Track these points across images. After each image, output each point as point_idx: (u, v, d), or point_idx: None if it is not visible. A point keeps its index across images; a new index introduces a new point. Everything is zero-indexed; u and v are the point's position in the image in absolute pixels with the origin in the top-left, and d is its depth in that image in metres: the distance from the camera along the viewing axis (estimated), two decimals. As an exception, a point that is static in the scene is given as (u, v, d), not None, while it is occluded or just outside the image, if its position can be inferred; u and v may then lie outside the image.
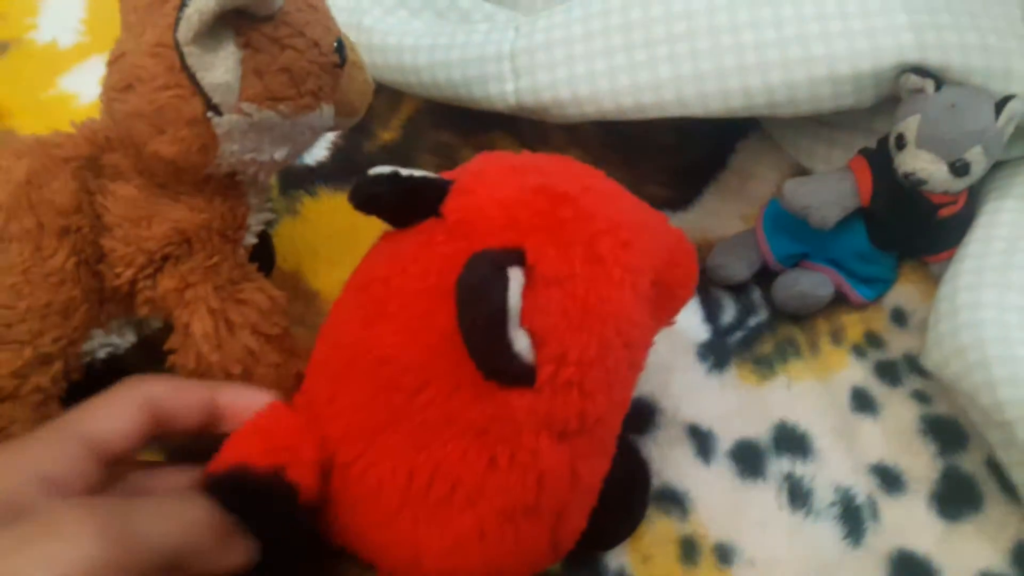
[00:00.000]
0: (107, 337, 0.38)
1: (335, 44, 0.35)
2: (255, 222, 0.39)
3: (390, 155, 0.55)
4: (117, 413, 0.31)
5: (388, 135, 0.56)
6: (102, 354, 0.38)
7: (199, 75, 0.31)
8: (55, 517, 0.25)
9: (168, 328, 0.38)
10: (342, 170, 0.53)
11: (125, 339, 0.39)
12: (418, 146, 0.55)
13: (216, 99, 0.32)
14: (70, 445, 0.29)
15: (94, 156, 0.35)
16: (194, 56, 0.31)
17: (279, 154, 0.35)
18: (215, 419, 0.34)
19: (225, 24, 0.31)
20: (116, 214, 0.35)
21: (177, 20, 0.30)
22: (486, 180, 0.34)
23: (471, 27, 0.50)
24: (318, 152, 0.54)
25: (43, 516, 0.25)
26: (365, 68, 0.39)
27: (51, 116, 0.53)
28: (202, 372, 0.37)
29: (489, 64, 0.47)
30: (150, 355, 0.40)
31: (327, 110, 0.36)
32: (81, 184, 0.35)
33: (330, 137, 0.55)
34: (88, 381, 0.38)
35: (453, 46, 0.48)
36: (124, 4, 0.33)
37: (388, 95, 0.56)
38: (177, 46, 0.31)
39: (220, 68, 0.31)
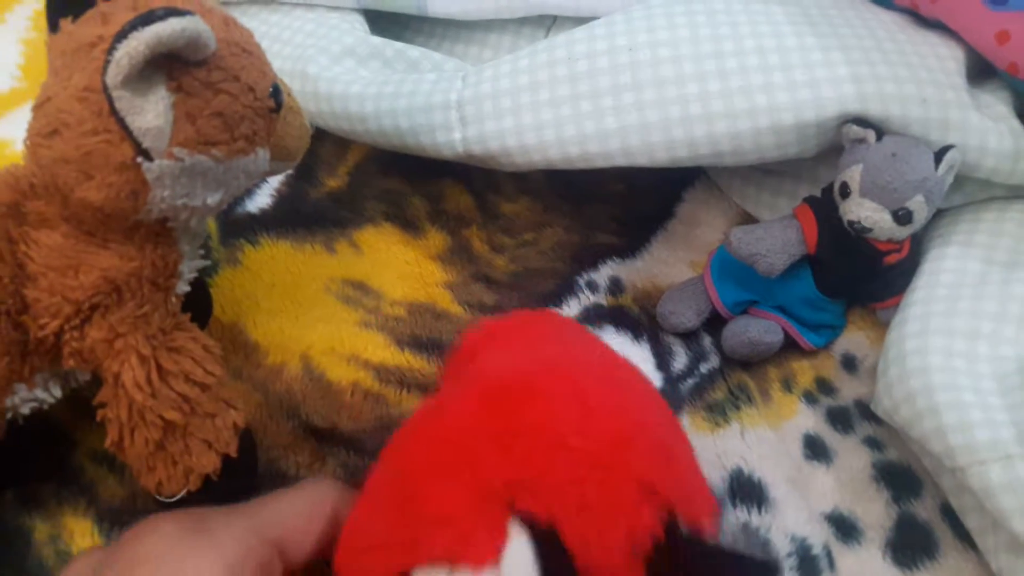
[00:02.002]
0: (31, 392, 0.36)
1: (271, 89, 0.34)
2: (188, 270, 0.37)
3: (336, 202, 0.54)
4: (309, 526, 0.31)
5: (334, 182, 0.55)
6: (26, 410, 0.36)
7: (128, 120, 0.30)
8: None
9: (96, 381, 0.36)
10: (285, 218, 0.52)
11: (51, 394, 0.37)
12: (365, 193, 0.55)
13: (146, 144, 0.30)
14: (264, 550, 0.29)
15: (16, 203, 0.34)
16: (124, 100, 0.30)
17: (212, 199, 0.34)
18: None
19: (156, 68, 0.30)
20: (40, 263, 0.34)
21: (106, 63, 0.29)
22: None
23: (419, 76, 0.49)
24: (261, 199, 0.53)
25: None
26: (302, 113, 0.38)
27: (-19, 163, 0.52)
28: (135, 424, 0.35)
29: (436, 113, 0.47)
30: (78, 410, 0.38)
31: (262, 154, 0.35)
32: (2, 232, 0.33)
33: (274, 184, 0.54)
34: (10, 438, 0.36)
35: (400, 94, 0.48)
36: (51, 49, 0.32)
37: (335, 142, 0.55)
38: (106, 90, 0.29)
39: (151, 112, 0.30)
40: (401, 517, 0.26)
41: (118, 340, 0.35)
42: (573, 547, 0.24)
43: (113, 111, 0.30)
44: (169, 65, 0.30)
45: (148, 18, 0.28)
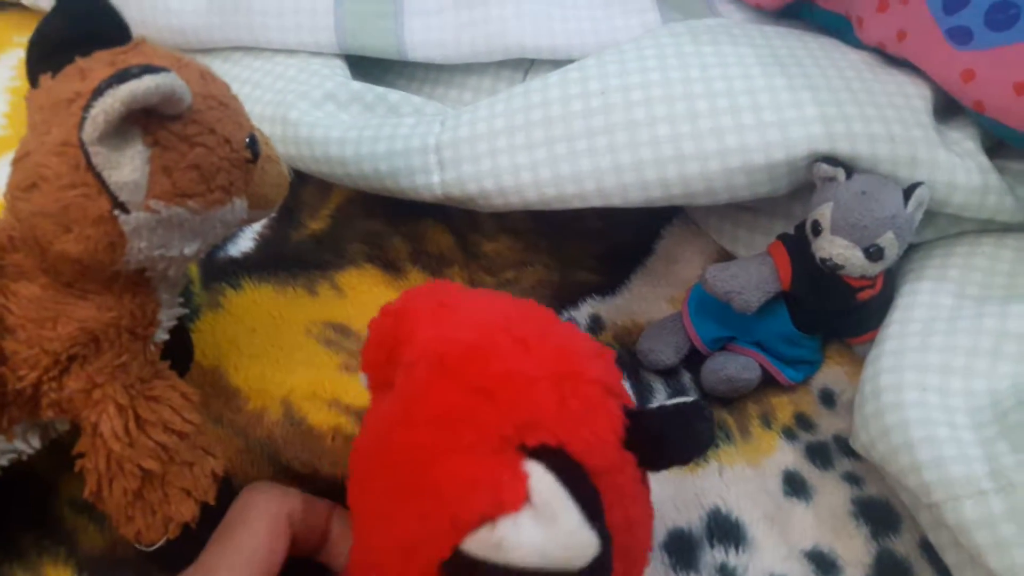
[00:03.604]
0: (10, 443, 0.36)
1: (247, 139, 0.35)
2: (166, 318, 0.38)
3: (318, 245, 0.54)
4: (272, 538, 0.33)
5: (316, 224, 0.55)
6: (4, 461, 0.36)
7: (105, 174, 0.30)
8: None
9: (75, 430, 0.36)
10: (268, 262, 0.52)
11: (29, 444, 0.37)
12: (348, 235, 0.55)
13: (123, 197, 0.31)
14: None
15: None
16: (100, 155, 0.30)
17: (189, 249, 0.34)
18: (325, 544, 0.36)
19: (132, 123, 0.30)
20: (19, 315, 0.34)
21: (83, 120, 0.30)
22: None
23: (398, 120, 0.50)
24: (243, 243, 0.53)
25: None
26: (280, 161, 0.39)
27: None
28: (113, 473, 0.35)
29: (415, 156, 0.48)
30: (58, 459, 0.38)
31: (239, 204, 0.35)
32: None
33: (257, 227, 0.55)
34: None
35: (379, 138, 0.49)
36: (30, 104, 0.33)
37: (317, 185, 0.56)
38: (83, 146, 0.30)
39: (127, 167, 0.30)
40: (423, 507, 0.27)
41: (96, 390, 0.35)
42: (582, 458, 0.27)
43: (90, 166, 0.30)
44: (145, 120, 0.31)
45: (124, 76, 0.29)
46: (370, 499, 0.30)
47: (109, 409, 0.35)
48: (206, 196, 0.33)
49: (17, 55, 0.62)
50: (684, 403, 0.29)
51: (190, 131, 0.32)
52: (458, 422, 0.28)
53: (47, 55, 0.33)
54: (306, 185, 0.56)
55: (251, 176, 0.36)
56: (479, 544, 0.26)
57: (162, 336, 0.38)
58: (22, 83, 0.60)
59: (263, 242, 0.54)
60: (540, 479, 0.26)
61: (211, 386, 0.45)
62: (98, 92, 0.29)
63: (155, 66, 0.30)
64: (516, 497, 0.26)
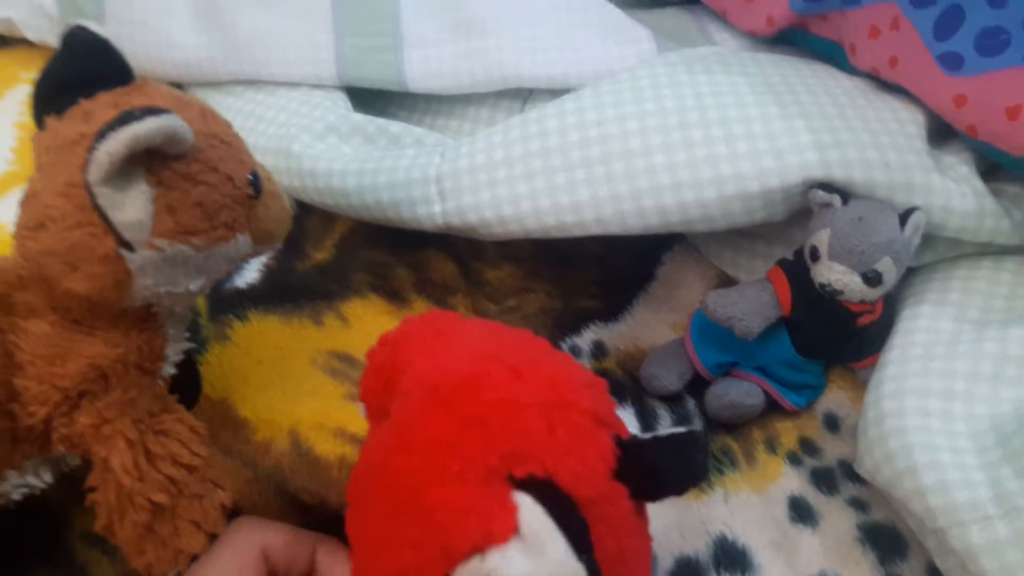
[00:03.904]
0: (22, 478, 0.37)
1: (249, 176, 0.36)
2: (174, 352, 0.38)
3: (323, 275, 0.55)
4: (241, 570, 0.34)
5: (321, 255, 0.56)
6: (17, 495, 0.37)
7: (110, 214, 0.31)
8: None
9: (87, 464, 0.37)
10: (273, 293, 0.53)
11: (41, 479, 0.38)
12: (352, 265, 0.56)
13: (128, 236, 0.32)
14: None
15: (5, 295, 0.35)
16: (105, 196, 0.31)
17: (194, 285, 0.35)
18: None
19: (136, 163, 0.31)
20: (29, 352, 0.34)
21: (87, 161, 0.30)
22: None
23: (399, 152, 0.51)
24: (249, 275, 0.54)
25: None
26: (283, 196, 0.40)
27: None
28: (124, 507, 0.36)
29: (416, 187, 0.48)
30: (69, 493, 0.38)
31: (243, 240, 0.36)
32: None
33: (262, 258, 0.55)
34: (3, 522, 0.37)
35: (380, 170, 0.49)
36: (37, 145, 0.33)
37: (321, 215, 0.56)
38: (88, 187, 0.31)
39: (131, 207, 0.31)
40: (416, 535, 0.28)
41: (106, 425, 0.35)
42: (570, 489, 0.27)
43: (95, 206, 0.31)
44: (149, 160, 0.31)
45: (126, 118, 0.30)
46: (366, 525, 0.30)
47: (119, 444, 0.35)
48: (210, 233, 0.34)
49: (24, 91, 0.64)
50: (678, 433, 0.29)
51: (193, 170, 0.33)
52: (448, 451, 0.28)
53: (52, 96, 0.34)
54: (310, 216, 0.57)
55: (254, 212, 0.36)
56: (469, 574, 0.26)
57: (170, 370, 0.38)
58: (29, 119, 0.61)
59: (268, 273, 0.54)
60: (529, 510, 0.26)
61: (219, 418, 0.46)
62: (101, 135, 0.30)
63: (157, 107, 0.31)
64: (505, 528, 0.26)
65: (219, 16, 0.56)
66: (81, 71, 0.33)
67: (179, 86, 0.60)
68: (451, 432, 0.28)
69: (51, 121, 0.33)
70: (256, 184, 0.36)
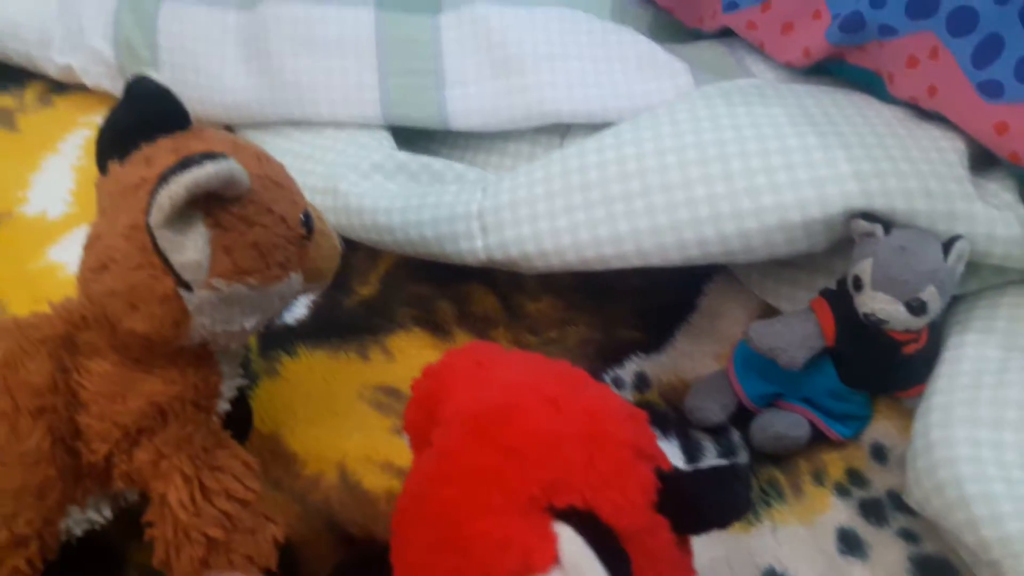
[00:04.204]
0: (84, 514, 0.38)
1: (302, 216, 0.37)
2: (228, 389, 0.39)
3: (368, 310, 0.56)
4: None
5: (366, 290, 0.57)
6: (79, 531, 0.38)
7: (170, 256, 0.32)
8: None
9: (144, 499, 0.38)
10: (321, 328, 0.54)
11: (102, 514, 0.39)
12: (396, 299, 0.57)
13: (187, 277, 0.33)
14: None
15: (70, 335, 0.36)
16: (165, 238, 0.32)
17: (249, 323, 0.36)
18: None
19: (195, 206, 0.32)
20: (92, 391, 0.36)
21: (149, 205, 0.32)
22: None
23: (442, 188, 0.52)
24: (298, 311, 0.55)
25: None
26: (332, 235, 0.41)
27: (38, 287, 0.55)
28: (180, 542, 0.37)
29: (459, 223, 0.49)
30: (128, 529, 0.39)
31: (295, 278, 0.37)
32: (57, 363, 0.35)
33: (310, 295, 0.57)
34: (65, 558, 0.38)
35: (424, 206, 0.51)
36: (100, 190, 0.35)
37: (366, 251, 0.58)
38: (149, 229, 0.32)
39: (190, 249, 0.32)
40: (456, 565, 0.28)
41: (163, 461, 0.37)
42: (610, 520, 0.27)
43: (155, 248, 0.32)
44: (207, 203, 0.33)
45: (187, 163, 0.31)
46: (409, 555, 0.31)
47: (176, 480, 0.36)
48: (264, 273, 0.35)
49: (82, 135, 0.66)
50: (720, 466, 0.30)
51: (249, 212, 0.34)
52: (489, 481, 0.28)
53: (115, 143, 0.35)
54: (355, 252, 0.58)
55: (306, 251, 0.38)
56: None
57: (224, 406, 0.39)
58: (88, 162, 0.64)
59: (316, 309, 0.55)
60: (569, 541, 0.27)
61: (270, 452, 0.47)
62: (163, 179, 0.31)
63: (215, 153, 0.32)
64: (545, 559, 0.26)
65: (268, 60, 0.58)
66: (142, 118, 0.35)
67: (231, 128, 0.63)
68: (491, 462, 0.29)
69: (114, 166, 0.34)
70: (308, 224, 0.37)
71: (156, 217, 0.31)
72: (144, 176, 0.33)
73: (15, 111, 0.68)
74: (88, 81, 0.66)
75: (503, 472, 0.29)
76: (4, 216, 0.60)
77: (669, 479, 0.29)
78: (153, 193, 0.31)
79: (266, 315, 0.37)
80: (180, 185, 0.31)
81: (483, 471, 0.29)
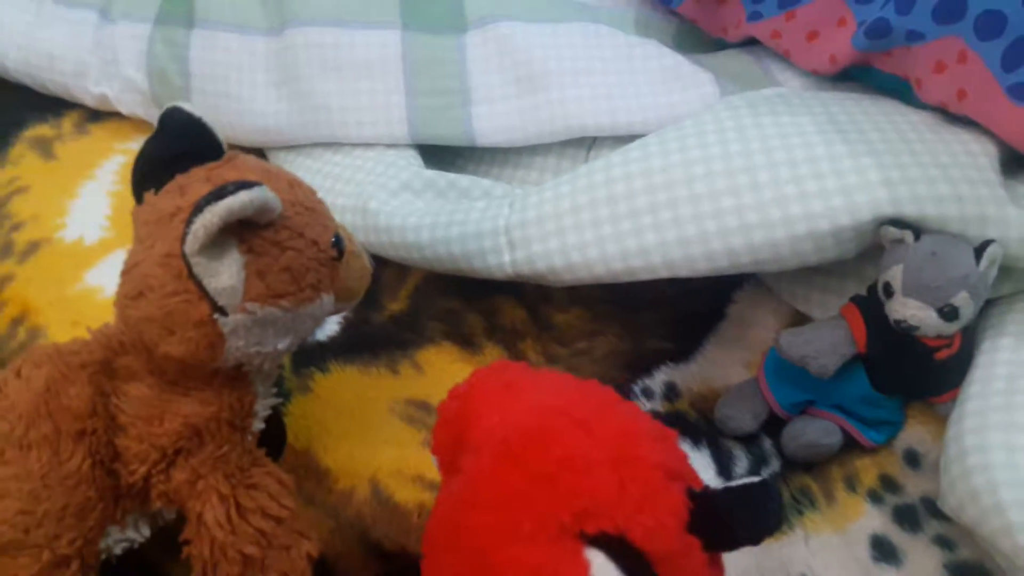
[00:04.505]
0: (123, 533, 0.39)
1: (332, 239, 0.38)
2: (262, 408, 0.40)
3: (398, 325, 0.56)
4: None
5: (396, 305, 0.58)
6: (118, 550, 0.39)
7: (205, 282, 0.33)
8: None
9: (181, 517, 0.39)
10: (352, 344, 0.55)
11: (140, 533, 0.40)
12: (425, 313, 0.57)
13: (222, 302, 0.34)
14: None
15: (108, 360, 0.37)
16: (201, 265, 0.33)
17: (282, 344, 0.37)
18: None
19: (229, 233, 0.33)
20: (130, 414, 0.37)
21: (184, 234, 0.33)
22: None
23: (469, 204, 0.53)
24: (329, 327, 0.56)
25: None
26: (363, 255, 0.42)
27: (77, 311, 0.56)
28: (217, 560, 0.37)
29: (486, 239, 0.50)
30: (166, 547, 0.40)
31: (327, 299, 0.38)
32: (96, 388, 0.36)
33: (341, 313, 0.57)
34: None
35: (452, 223, 0.51)
36: (136, 219, 0.36)
37: (395, 268, 0.58)
38: (184, 257, 0.33)
39: (225, 274, 0.33)
40: None
41: (200, 481, 0.37)
42: (643, 544, 0.27)
43: (191, 275, 0.33)
44: (240, 229, 0.34)
45: (220, 192, 0.32)
46: None
47: (212, 499, 0.37)
48: (297, 295, 0.36)
49: (118, 161, 0.68)
50: (750, 483, 0.29)
51: (281, 237, 0.35)
52: (519, 508, 0.29)
53: (150, 173, 0.36)
54: (385, 268, 0.59)
55: (337, 272, 0.38)
56: None
57: (259, 425, 0.40)
58: (123, 187, 0.65)
59: (347, 325, 0.56)
60: (601, 568, 0.27)
61: (303, 468, 0.48)
62: (197, 208, 0.32)
63: (248, 181, 0.33)
64: None
65: (297, 84, 0.59)
66: (176, 148, 0.36)
67: (262, 151, 0.64)
68: (521, 489, 0.29)
69: (149, 196, 0.36)
70: (339, 245, 0.38)
71: (191, 245, 0.32)
72: (179, 205, 0.34)
73: (53, 140, 0.70)
74: (123, 109, 0.68)
75: (533, 498, 0.29)
76: (44, 242, 0.62)
77: (700, 499, 0.29)
78: (188, 222, 0.32)
79: (299, 336, 0.38)
80: (214, 214, 0.32)
81: (513, 497, 0.29)
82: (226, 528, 0.37)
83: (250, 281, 0.34)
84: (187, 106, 0.37)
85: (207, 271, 0.33)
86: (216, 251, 0.33)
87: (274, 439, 0.45)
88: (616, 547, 0.27)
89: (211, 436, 0.37)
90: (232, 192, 0.32)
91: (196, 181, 0.35)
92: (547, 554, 0.27)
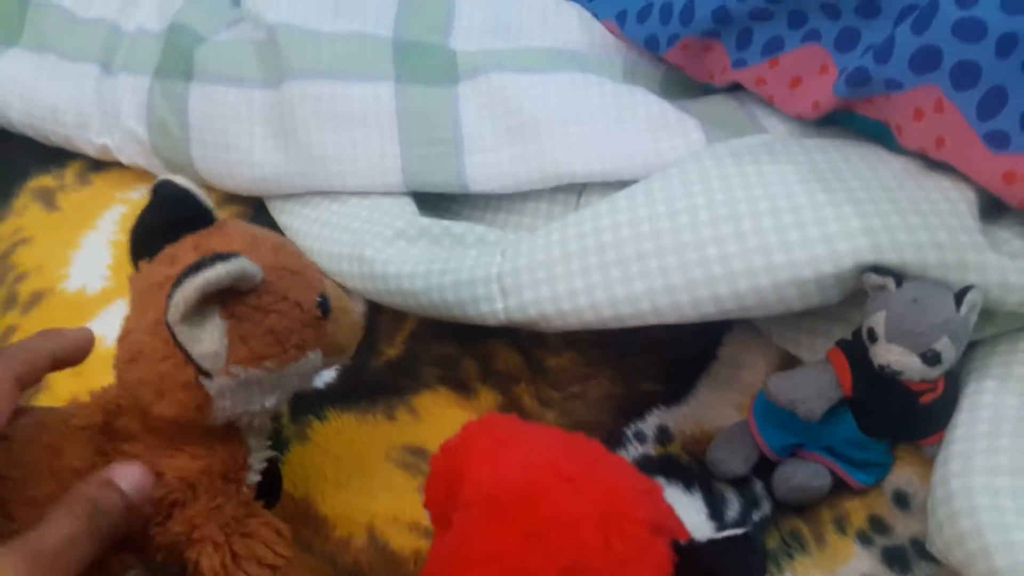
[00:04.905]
0: None
1: (318, 299, 0.39)
2: (256, 462, 0.41)
3: (394, 370, 0.57)
4: None
5: (392, 351, 0.59)
6: None
7: (189, 348, 0.35)
8: None
9: (183, 571, 0.40)
10: (350, 391, 0.56)
11: None
12: (421, 359, 0.58)
13: (206, 366, 0.35)
14: None
15: (107, 422, 0.39)
16: (183, 333, 0.34)
17: (270, 402, 0.38)
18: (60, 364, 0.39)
19: (210, 301, 0.34)
20: None
21: (167, 305, 0.34)
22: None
23: (463, 252, 0.54)
24: (327, 374, 0.57)
25: None
26: (352, 311, 0.43)
27: (78, 360, 0.57)
28: None
29: (479, 286, 0.51)
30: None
31: (314, 356, 0.39)
32: (96, 448, 0.38)
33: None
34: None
35: (446, 271, 0.52)
36: (131, 287, 0.38)
37: (392, 314, 0.59)
38: (168, 326, 0.34)
39: (207, 340, 0.35)
40: None
41: (195, 531, 0.38)
42: None
43: (176, 342, 0.35)
44: (222, 297, 0.35)
45: (199, 265, 0.34)
46: None
47: (207, 548, 0.38)
48: (281, 356, 0.37)
49: (119, 211, 0.69)
50: (734, 535, 0.30)
51: (264, 301, 0.36)
52: (509, 566, 0.30)
53: (144, 242, 0.38)
54: (382, 314, 0.60)
55: (323, 330, 0.39)
56: None
57: (254, 478, 0.41)
58: (124, 237, 0.66)
59: (345, 372, 0.57)
60: None
61: (301, 516, 0.49)
62: (178, 281, 0.34)
63: (227, 253, 0.34)
64: None
65: (294, 136, 0.60)
66: (168, 218, 0.38)
67: (260, 200, 0.65)
68: (511, 546, 0.30)
69: (144, 264, 0.37)
70: (324, 305, 0.39)
71: (173, 315, 0.34)
72: (168, 275, 0.36)
73: (56, 190, 0.71)
74: (124, 159, 0.69)
75: (523, 556, 0.30)
76: (47, 292, 0.63)
77: (685, 552, 0.30)
78: (169, 296, 0.34)
79: (286, 392, 0.40)
80: (192, 287, 0.33)
81: (503, 554, 0.30)
82: (220, 575, 0.38)
83: (234, 346, 0.35)
84: (178, 178, 0.39)
85: (190, 338, 0.34)
86: (198, 319, 0.34)
87: (270, 488, 0.46)
88: None
89: (204, 489, 0.38)
90: (209, 265, 0.33)
91: (185, 250, 0.37)
92: None
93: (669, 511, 0.32)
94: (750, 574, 0.30)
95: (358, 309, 0.43)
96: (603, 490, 0.31)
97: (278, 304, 0.36)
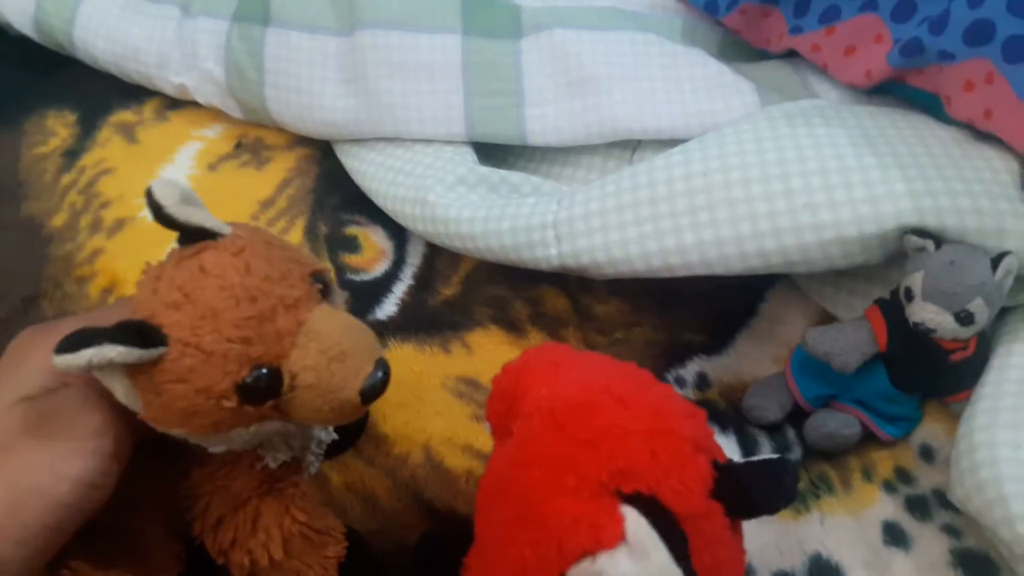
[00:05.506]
0: None
1: (247, 379, 0.34)
2: (314, 445, 0.43)
3: (450, 308, 0.61)
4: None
5: (449, 291, 0.62)
6: None
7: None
8: None
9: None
10: (409, 324, 0.60)
11: None
12: (475, 300, 0.62)
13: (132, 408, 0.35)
14: None
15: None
16: (102, 377, 0.34)
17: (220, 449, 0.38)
18: None
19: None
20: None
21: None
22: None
23: (520, 199, 0.57)
24: (388, 308, 0.61)
25: None
26: (335, 389, 0.36)
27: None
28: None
29: (535, 232, 0.54)
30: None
31: (254, 428, 0.36)
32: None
33: (398, 293, 0.62)
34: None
35: (504, 217, 0.55)
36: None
37: (449, 256, 0.63)
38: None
39: (118, 391, 0.34)
40: (535, 537, 0.32)
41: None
42: (671, 505, 0.31)
43: None
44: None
45: (76, 339, 0.31)
46: (492, 527, 0.35)
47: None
48: (190, 429, 0.35)
49: (195, 147, 0.72)
50: (770, 458, 0.33)
51: (157, 380, 0.33)
52: (564, 467, 0.32)
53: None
54: (440, 256, 0.63)
55: (264, 411, 0.35)
56: (581, 573, 0.31)
57: (315, 466, 0.43)
58: (200, 172, 0.70)
59: (404, 307, 0.61)
60: (635, 522, 0.30)
61: (365, 433, 0.53)
62: (71, 343, 0.31)
63: (136, 325, 0.33)
64: (613, 536, 0.30)
65: (365, 83, 0.63)
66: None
67: (328, 143, 0.69)
68: (566, 451, 0.33)
69: (143, 269, 0.37)
70: (254, 388, 0.34)
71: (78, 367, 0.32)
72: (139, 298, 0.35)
73: (135, 125, 0.75)
74: (200, 99, 0.73)
75: (577, 460, 0.32)
76: (128, 220, 0.67)
77: (723, 469, 0.33)
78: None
79: (245, 445, 0.38)
80: (78, 358, 0.31)
81: (560, 458, 0.33)
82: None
83: (145, 402, 0.34)
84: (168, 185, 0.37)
85: (106, 382, 0.34)
86: (105, 376, 0.33)
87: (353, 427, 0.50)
88: (648, 505, 0.31)
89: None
90: (72, 346, 0.31)
91: (154, 280, 0.35)
92: (588, 507, 0.31)
93: (710, 433, 0.35)
94: (783, 494, 0.33)
95: (354, 386, 0.36)
96: (651, 409, 0.34)
97: (173, 386, 0.33)
